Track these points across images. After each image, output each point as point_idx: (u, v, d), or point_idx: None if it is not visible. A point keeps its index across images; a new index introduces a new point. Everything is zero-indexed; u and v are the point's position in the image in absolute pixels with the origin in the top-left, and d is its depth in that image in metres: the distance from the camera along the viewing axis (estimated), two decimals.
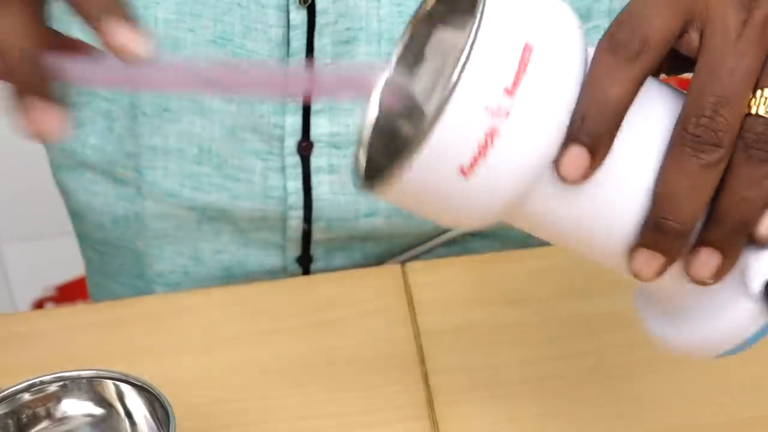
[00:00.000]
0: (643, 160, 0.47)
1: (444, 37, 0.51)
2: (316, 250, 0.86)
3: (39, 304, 1.77)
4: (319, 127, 0.79)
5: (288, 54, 0.77)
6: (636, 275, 0.49)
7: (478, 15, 0.44)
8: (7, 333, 0.78)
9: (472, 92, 0.44)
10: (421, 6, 0.51)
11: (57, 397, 0.62)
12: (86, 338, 0.77)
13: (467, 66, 0.44)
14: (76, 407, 0.62)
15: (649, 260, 0.49)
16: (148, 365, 0.69)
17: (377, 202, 0.82)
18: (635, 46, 0.47)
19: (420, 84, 0.51)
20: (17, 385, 0.61)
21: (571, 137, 0.47)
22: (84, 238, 0.95)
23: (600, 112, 0.47)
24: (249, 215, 0.84)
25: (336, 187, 0.81)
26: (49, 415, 0.62)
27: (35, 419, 0.62)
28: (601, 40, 0.48)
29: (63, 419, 0.62)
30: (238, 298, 0.79)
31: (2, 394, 0.60)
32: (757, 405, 0.68)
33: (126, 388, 0.61)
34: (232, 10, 0.77)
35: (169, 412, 0.58)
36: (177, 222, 0.87)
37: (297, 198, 0.82)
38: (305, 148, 0.80)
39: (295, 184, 0.81)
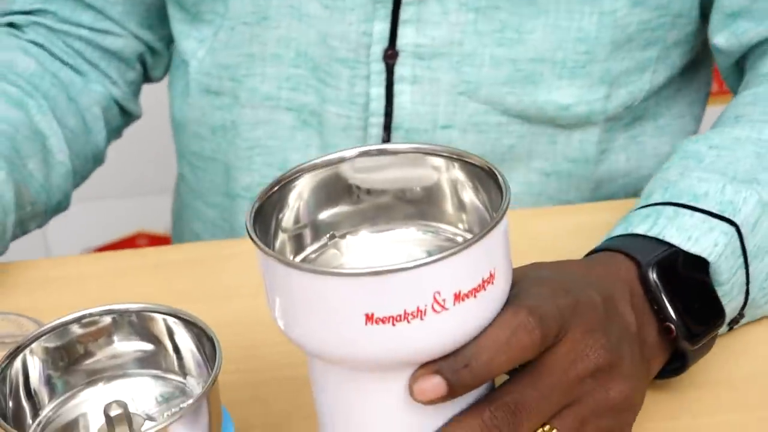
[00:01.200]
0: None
1: None
2: None
3: None
4: (406, 36, 0.82)
5: None
6: None
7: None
8: (54, 275, 0.78)
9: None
10: None
11: (107, 333, 0.61)
12: (134, 281, 0.77)
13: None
14: (125, 343, 0.62)
15: None
16: (196, 307, 0.69)
17: (455, 115, 0.84)
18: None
19: None
20: (66, 316, 0.60)
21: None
22: (182, 152, 0.98)
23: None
24: (335, 121, 0.86)
25: (417, 97, 0.84)
26: (98, 350, 0.62)
27: (85, 354, 0.61)
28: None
29: (112, 354, 0.62)
30: None
31: (52, 324, 0.60)
32: None
33: (174, 323, 0.61)
34: None
35: (216, 347, 0.58)
36: (271, 129, 0.89)
37: (378, 105, 0.84)
38: (390, 56, 0.83)
39: (378, 91, 0.84)
